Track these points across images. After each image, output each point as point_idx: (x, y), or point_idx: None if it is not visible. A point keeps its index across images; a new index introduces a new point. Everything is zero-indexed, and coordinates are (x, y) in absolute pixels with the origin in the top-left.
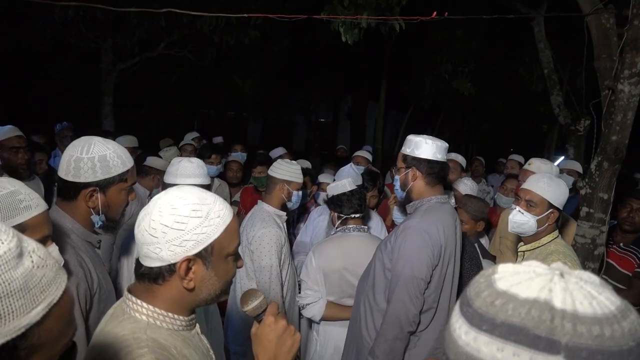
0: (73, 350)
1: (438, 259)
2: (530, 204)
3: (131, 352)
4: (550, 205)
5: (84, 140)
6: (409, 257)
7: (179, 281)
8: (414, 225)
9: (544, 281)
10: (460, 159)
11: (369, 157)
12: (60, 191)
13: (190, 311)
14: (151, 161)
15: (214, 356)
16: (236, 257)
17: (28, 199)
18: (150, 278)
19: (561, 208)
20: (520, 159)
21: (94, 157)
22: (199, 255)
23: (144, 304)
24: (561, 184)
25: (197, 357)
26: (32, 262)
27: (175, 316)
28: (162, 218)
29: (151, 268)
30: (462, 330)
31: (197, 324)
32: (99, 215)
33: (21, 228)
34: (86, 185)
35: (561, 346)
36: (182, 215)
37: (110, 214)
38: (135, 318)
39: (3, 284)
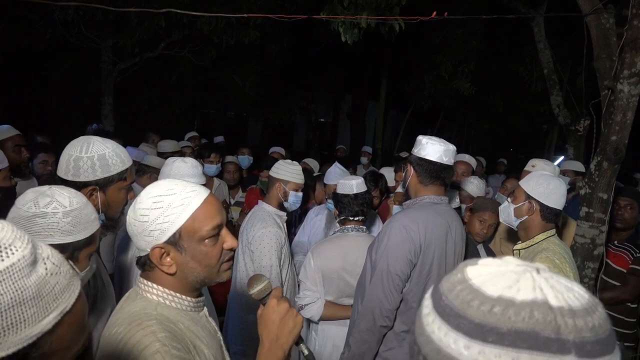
0: (86, 355)
1: (417, 257)
2: (513, 194)
3: (141, 324)
4: (528, 196)
5: (82, 139)
6: (386, 252)
7: (159, 267)
8: (397, 220)
9: (530, 280)
10: (471, 160)
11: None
12: None
13: (197, 293)
14: (148, 160)
15: (221, 337)
16: (217, 239)
17: (94, 212)
18: (140, 266)
19: (544, 203)
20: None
21: (93, 156)
22: (169, 242)
23: (154, 285)
24: (551, 180)
25: (204, 334)
26: (46, 269)
27: (183, 297)
28: (132, 213)
29: (140, 257)
30: (460, 345)
31: (205, 307)
32: (99, 214)
33: (91, 239)
34: (86, 184)
35: (570, 344)
36: (145, 208)
37: (110, 213)
38: (147, 298)
39: (16, 292)
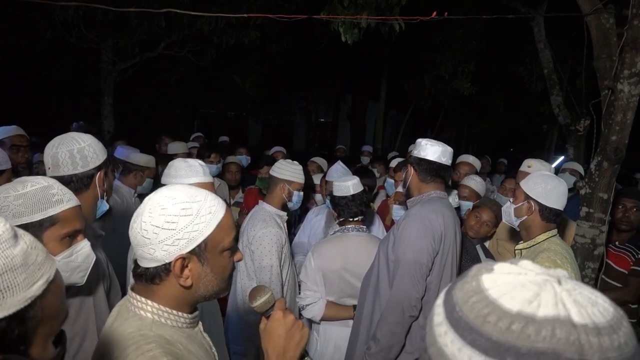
0: (62, 336)
1: (439, 244)
2: (514, 194)
3: (139, 348)
4: (527, 196)
5: (66, 136)
6: (410, 243)
7: (176, 279)
8: (415, 213)
9: (551, 293)
10: (475, 162)
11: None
12: (73, 186)
13: (193, 308)
14: (133, 157)
15: (216, 353)
16: (233, 251)
17: (60, 194)
18: (147, 278)
19: (543, 203)
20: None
21: (90, 142)
22: (193, 252)
23: (149, 302)
24: (549, 180)
25: (201, 353)
26: (26, 243)
27: (179, 313)
28: (153, 219)
29: (147, 269)
30: None
31: (200, 322)
32: (103, 198)
33: (53, 220)
34: (99, 167)
35: None
36: (172, 214)
37: (108, 196)
38: (141, 316)
39: (6, 259)
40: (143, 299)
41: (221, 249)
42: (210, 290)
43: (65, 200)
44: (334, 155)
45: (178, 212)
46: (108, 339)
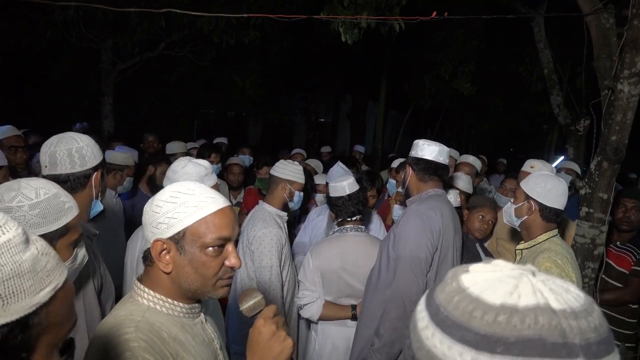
0: (72, 344)
1: (438, 240)
2: (514, 194)
3: (119, 329)
4: (527, 196)
5: (64, 135)
6: (409, 239)
7: (157, 262)
8: (414, 210)
9: (528, 284)
10: (476, 162)
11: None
12: (69, 184)
13: (191, 299)
14: (111, 156)
15: (218, 347)
16: (220, 252)
17: (69, 200)
18: (144, 259)
19: (543, 203)
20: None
21: (88, 142)
22: (172, 239)
23: (146, 289)
24: (549, 180)
25: (194, 344)
26: (37, 249)
27: (175, 302)
28: (150, 202)
29: (146, 250)
30: (467, 358)
31: (203, 314)
32: (98, 199)
33: (66, 228)
34: (96, 168)
35: (578, 347)
36: (161, 199)
37: (102, 196)
38: (137, 302)
39: (14, 265)
40: (142, 287)
41: (202, 244)
42: (192, 284)
43: (74, 207)
44: (320, 159)
45: (166, 198)
46: (105, 322)
